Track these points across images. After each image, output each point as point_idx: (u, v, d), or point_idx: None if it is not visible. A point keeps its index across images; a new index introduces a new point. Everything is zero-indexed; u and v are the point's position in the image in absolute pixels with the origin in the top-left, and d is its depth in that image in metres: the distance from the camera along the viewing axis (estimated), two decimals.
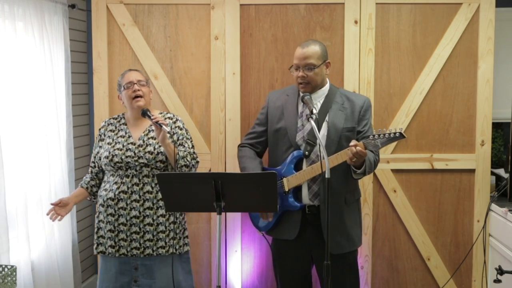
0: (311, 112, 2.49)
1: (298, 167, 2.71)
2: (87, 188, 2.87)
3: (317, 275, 2.88)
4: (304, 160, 2.71)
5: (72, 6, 3.43)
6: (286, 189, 2.70)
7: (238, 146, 3.00)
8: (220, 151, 3.45)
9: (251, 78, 3.45)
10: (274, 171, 2.29)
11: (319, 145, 2.36)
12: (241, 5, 3.39)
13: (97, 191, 2.88)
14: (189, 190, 2.34)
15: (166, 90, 3.45)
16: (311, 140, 2.68)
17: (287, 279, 2.84)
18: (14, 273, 2.61)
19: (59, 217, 2.72)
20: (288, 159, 2.72)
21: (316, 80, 2.69)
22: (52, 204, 2.72)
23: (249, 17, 3.41)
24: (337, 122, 2.69)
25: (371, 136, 2.47)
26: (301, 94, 2.70)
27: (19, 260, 2.91)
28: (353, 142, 2.47)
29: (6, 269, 2.61)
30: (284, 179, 2.71)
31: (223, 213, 2.31)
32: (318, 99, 2.74)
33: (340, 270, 2.72)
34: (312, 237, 2.72)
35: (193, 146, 2.86)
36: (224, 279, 3.42)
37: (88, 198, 2.91)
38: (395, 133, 2.40)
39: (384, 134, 2.43)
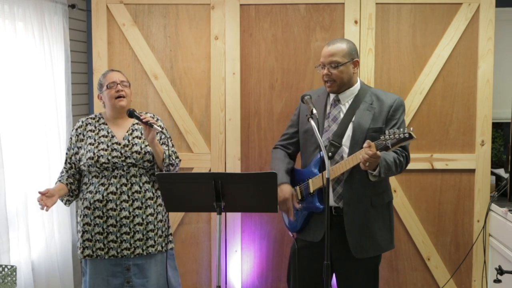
0: (311, 113, 2.47)
1: (323, 168, 2.64)
2: (66, 184, 2.78)
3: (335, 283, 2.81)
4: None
5: (72, 6, 3.43)
6: (311, 190, 2.67)
7: (272, 148, 2.97)
8: (220, 151, 3.45)
9: (251, 78, 3.45)
10: (273, 171, 2.30)
11: (321, 145, 2.34)
12: (241, 5, 3.39)
13: (75, 189, 2.80)
14: (189, 190, 2.34)
15: (166, 90, 3.45)
16: (335, 141, 2.63)
17: (303, 280, 2.77)
18: (14, 273, 2.61)
19: (45, 207, 2.59)
20: (313, 160, 2.69)
21: (342, 78, 2.61)
22: (39, 192, 2.61)
23: (249, 17, 3.41)
24: (363, 122, 2.62)
25: (382, 136, 2.43)
26: (330, 95, 2.69)
27: (19, 260, 2.91)
28: (366, 143, 2.41)
29: (6, 269, 2.61)
30: (310, 180, 2.68)
31: (223, 213, 2.31)
32: (346, 99, 2.68)
33: (358, 274, 2.68)
34: (335, 239, 2.62)
35: (173, 146, 2.88)
36: (224, 279, 3.41)
37: (62, 200, 2.79)
38: (404, 134, 2.39)
39: (394, 135, 2.40)
